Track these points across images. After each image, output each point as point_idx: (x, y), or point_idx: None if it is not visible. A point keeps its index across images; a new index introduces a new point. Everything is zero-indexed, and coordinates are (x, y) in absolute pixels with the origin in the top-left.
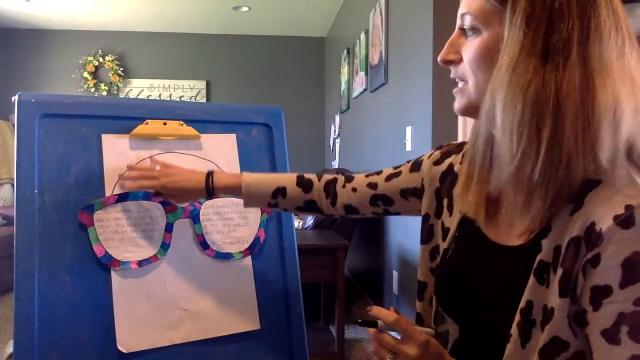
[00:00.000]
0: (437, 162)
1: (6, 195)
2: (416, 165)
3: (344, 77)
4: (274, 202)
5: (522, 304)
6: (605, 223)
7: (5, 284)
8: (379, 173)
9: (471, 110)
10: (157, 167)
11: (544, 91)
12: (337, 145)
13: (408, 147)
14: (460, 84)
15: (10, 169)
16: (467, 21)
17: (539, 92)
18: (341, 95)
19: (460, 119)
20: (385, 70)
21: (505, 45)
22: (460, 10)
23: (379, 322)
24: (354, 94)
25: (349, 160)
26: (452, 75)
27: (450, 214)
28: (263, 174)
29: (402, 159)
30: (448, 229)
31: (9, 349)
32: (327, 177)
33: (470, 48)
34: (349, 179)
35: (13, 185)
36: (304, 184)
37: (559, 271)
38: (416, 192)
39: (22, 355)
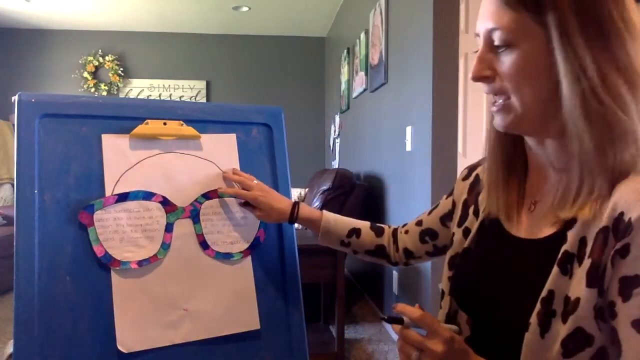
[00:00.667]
0: (465, 178)
1: (6, 195)
2: (450, 191)
3: (344, 77)
4: (348, 240)
5: (543, 293)
6: (634, 212)
7: (5, 284)
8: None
9: (518, 126)
10: (255, 181)
11: (610, 98)
12: (337, 145)
13: (408, 147)
14: (499, 99)
15: (10, 169)
16: (498, 36)
17: (606, 100)
18: (341, 95)
19: (461, 119)
20: (385, 70)
21: (559, 59)
22: (485, 26)
23: (405, 319)
24: (354, 94)
25: (349, 160)
26: (486, 91)
27: (477, 219)
28: (341, 215)
29: (402, 159)
30: (469, 231)
31: (9, 349)
32: (394, 226)
33: (507, 63)
34: (405, 225)
35: (13, 185)
36: (376, 229)
37: (587, 262)
38: (450, 215)
39: (22, 355)
